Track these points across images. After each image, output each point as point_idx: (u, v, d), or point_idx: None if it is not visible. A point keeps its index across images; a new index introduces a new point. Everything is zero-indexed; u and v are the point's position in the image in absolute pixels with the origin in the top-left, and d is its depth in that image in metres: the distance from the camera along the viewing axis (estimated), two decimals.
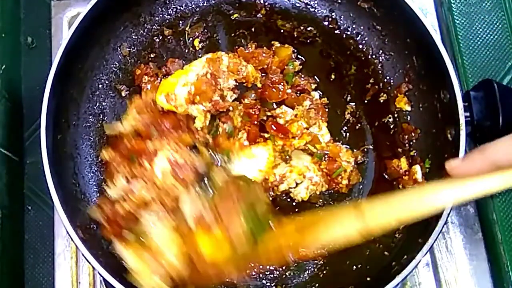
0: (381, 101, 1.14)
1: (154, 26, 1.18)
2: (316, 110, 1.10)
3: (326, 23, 1.18)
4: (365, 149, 1.12)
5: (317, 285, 1.05)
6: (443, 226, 0.92)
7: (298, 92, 1.13)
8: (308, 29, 1.18)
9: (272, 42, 1.16)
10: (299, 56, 1.16)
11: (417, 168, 1.06)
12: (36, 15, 1.28)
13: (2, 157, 1.13)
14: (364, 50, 1.16)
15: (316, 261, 1.06)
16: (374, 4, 1.12)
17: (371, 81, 1.15)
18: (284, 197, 1.09)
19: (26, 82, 1.25)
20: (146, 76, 1.13)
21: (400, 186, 1.07)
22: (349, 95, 1.15)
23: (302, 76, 1.14)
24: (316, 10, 1.18)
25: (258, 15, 1.19)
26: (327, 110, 1.12)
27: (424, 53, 1.05)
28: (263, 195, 0.98)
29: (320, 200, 1.09)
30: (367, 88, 1.15)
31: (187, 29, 1.18)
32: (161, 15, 1.19)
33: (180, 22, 1.19)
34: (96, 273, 1.11)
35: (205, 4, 1.19)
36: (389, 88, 1.14)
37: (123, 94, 1.15)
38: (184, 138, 1.04)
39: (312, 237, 0.83)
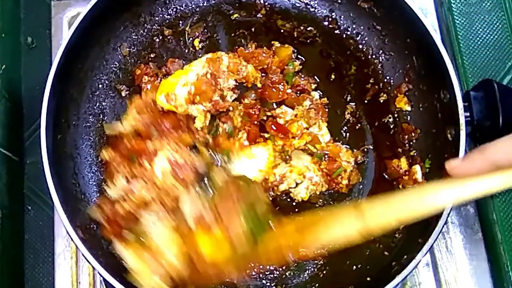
0: (381, 101, 1.14)
1: (154, 26, 1.18)
2: (316, 110, 1.10)
3: (326, 23, 1.18)
4: (365, 149, 1.12)
5: (317, 285, 1.05)
6: (443, 226, 0.92)
7: (298, 92, 1.13)
8: (308, 29, 1.18)
9: (272, 42, 1.16)
10: (299, 56, 1.16)
11: (417, 168, 1.06)
12: (36, 15, 1.28)
13: (2, 157, 1.13)
14: (364, 50, 1.16)
15: (316, 261, 1.06)
16: (374, 4, 1.12)
17: (371, 81, 1.15)
18: (284, 197, 1.09)
19: (26, 82, 1.25)
20: (146, 76, 1.12)
21: (400, 186, 1.07)
22: (349, 95, 1.15)
23: (302, 76, 1.14)
24: (316, 10, 1.18)
25: (258, 15, 1.19)
26: (327, 110, 1.12)
27: (424, 53, 1.05)
28: (263, 195, 0.98)
29: (320, 200, 1.09)
30: (367, 88, 1.15)
31: (187, 29, 1.18)
32: (161, 15, 1.19)
33: (180, 22, 1.19)
34: (96, 273, 1.11)
35: (205, 4, 1.19)
36: (389, 88, 1.14)
37: (123, 94, 1.15)
38: (184, 138, 1.04)
39: (312, 237, 0.83)
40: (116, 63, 1.16)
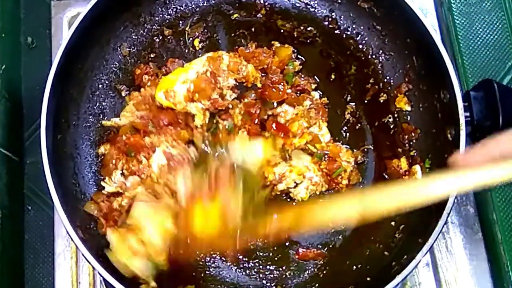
0: (381, 101, 1.14)
1: (154, 26, 1.18)
2: (317, 110, 1.10)
3: (326, 23, 1.18)
4: (365, 149, 1.12)
5: (317, 285, 1.05)
6: (443, 226, 0.92)
7: (298, 92, 1.13)
8: (308, 29, 1.18)
9: (272, 42, 1.16)
10: (299, 56, 1.16)
11: (417, 168, 1.06)
12: (36, 15, 1.28)
13: (2, 157, 1.13)
14: (364, 50, 1.16)
15: (316, 261, 1.06)
16: (374, 4, 1.12)
17: (371, 81, 1.15)
18: (284, 197, 1.09)
19: (26, 82, 1.25)
20: (146, 75, 1.12)
21: None
22: (349, 95, 1.15)
23: (302, 76, 1.14)
24: (316, 10, 1.18)
25: (258, 15, 1.19)
26: (327, 110, 1.12)
27: (424, 53, 1.05)
28: (259, 185, 0.98)
29: (320, 200, 1.09)
30: (367, 88, 1.15)
31: (187, 29, 1.18)
32: (161, 15, 1.19)
33: (180, 22, 1.19)
34: (96, 273, 1.10)
35: (205, 4, 1.19)
36: (389, 88, 1.14)
37: (123, 94, 1.15)
38: (182, 135, 1.04)
39: (311, 217, 0.82)
40: (116, 63, 1.16)
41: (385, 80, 1.14)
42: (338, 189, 1.09)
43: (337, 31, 1.18)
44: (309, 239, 1.07)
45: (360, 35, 1.17)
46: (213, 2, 1.19)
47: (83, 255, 0.93)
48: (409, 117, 1.12)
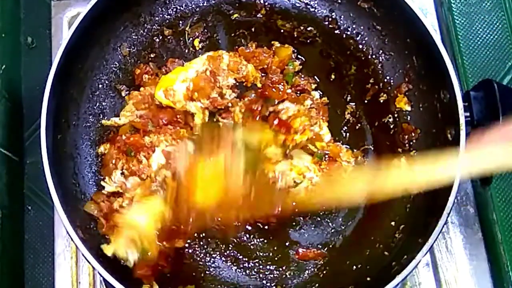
0: (381, 101, 1.14)
1: (154, 26, 1.18)
2: (317, 110, 1.10)
3: (326, 23, 1.18)
4: (365, 149, 1.12)
5: (317, 285, 1.05)
6: (443, 226, 0.92)
7: (298, 92, 1.13)
8: (308, 29, 1.18)
9: (272, 42, 1.16)
10: (299, 56, 1.16)
11: None
12: (36, 15, 1.28)
13: (2, 157, 1.13)
14: (364, 50, 1.16)
15: (316, 261, 1.06)
16: (374, 4, 1.12)
17: (371, 81, 1.15)
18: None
19: (26, 82, 1.25)
20: (146, 75, 1.13)
21: None
22: (349, 95, 1.15)
23: (302, 76, 1.14)
24: (316, 10, 1.18)
25: (258, 15, 1.19)
26: (327, 109, 1.12)
27: (424, 53, 1.05)
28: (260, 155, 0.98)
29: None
30: (367, 88, 1.15)
31: (187, 29, 1.18)
32: (161, 15, 1.19)
33: (180, 22, 1.19)
34: (96, 273, 1.10)
35: (205, 4, 1.19)
36: (389, 88, 1.14)
37: (123, 94, 1.15)
38: (181, 134, 1.04)
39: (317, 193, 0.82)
40: (116, 63, 1.16)
41: (385, 80, 1.14)
42: None
43: (337, 31, 1.18)
44: (309, 239, 1.07)
45: (360, 35, 1.17)
46: (213, 2, 1.19)
47: (83, 255, 0.93)
48: (409, 117, 1.12)
